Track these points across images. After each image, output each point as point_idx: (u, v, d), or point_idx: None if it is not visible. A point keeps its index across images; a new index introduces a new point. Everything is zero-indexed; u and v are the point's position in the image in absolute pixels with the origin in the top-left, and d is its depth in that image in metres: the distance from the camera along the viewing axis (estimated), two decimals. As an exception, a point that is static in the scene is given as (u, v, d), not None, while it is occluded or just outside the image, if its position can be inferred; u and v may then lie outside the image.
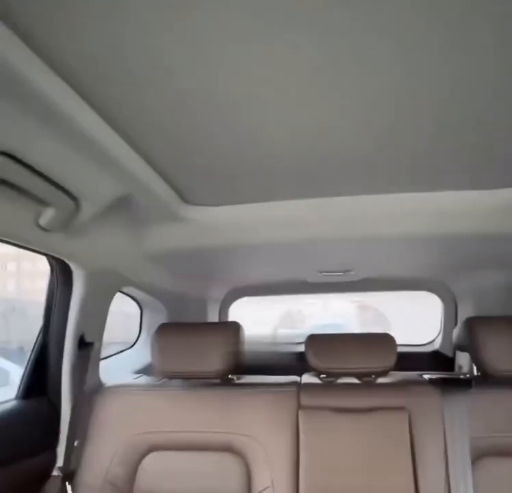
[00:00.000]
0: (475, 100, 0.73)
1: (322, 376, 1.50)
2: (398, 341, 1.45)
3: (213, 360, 1.37)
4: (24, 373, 1.36)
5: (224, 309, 2.60)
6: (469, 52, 0.60)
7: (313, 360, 1.43)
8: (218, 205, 1.24)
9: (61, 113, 0.70)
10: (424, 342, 2.73)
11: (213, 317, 2.50)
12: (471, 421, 1.28)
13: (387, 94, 0.71)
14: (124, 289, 1.80)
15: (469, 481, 1.21)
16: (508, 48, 0.60)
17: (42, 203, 0.93)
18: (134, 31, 0.56)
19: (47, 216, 0.96)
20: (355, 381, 1.47)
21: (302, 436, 1.32)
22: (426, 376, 1.49)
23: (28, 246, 1.06)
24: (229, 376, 1.47)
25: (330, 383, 1.48)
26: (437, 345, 2.62)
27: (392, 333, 1.47)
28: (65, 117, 0.71)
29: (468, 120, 0.80)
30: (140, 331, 2.23)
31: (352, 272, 1.98)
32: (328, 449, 1.30)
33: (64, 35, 0.57)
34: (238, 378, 1.53)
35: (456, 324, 2.23)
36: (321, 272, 1.97)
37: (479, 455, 1.25)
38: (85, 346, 1.42)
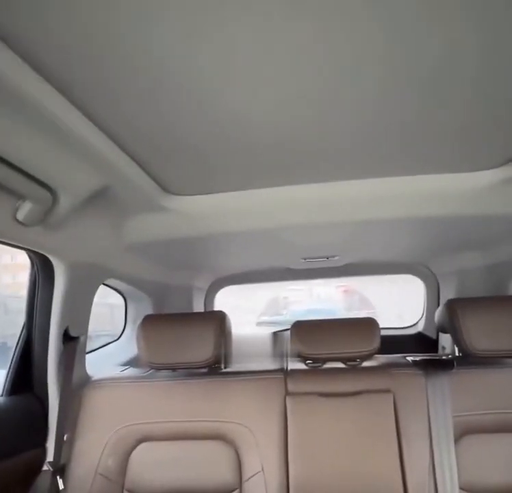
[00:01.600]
0: (454, 84, 0.74)
1: (308, 362, 1.52)
2: (383, 324, 1.47)
3: (199, 350, 1.38)
4: (9, 369, 1.35)
5: (209, 298, 2.61)
6: (452, 29, 0.60)
7: (298, 346, 1.44)
8: (198, 194, 1.23)
9: (35, 104, 0.68)
10: (408, 325, 2.78)
11: (198, 307, 2.50)
12: (454, 400, 1.31)
13: (366, 78, 0.71)
14: (108, 282, 1.79)
15: (452, 458, 1.24)
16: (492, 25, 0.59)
17: (19, 196, 0.92)
18: (106, 17, 0.55)
19: (24, 210, 0.94)
20: (341, 365, 1.49)
21: (290, 421, 1.34)
22: (410, 358, 1.52)
23: (6, 241, 1.04)
24: (216, 365, 1.48)
25: (316, 369, 1.50)
26: (420, 327, 2.66)
27: (377, 316, 1.49)
28: (39, 108, 0.70)
29: (446, 104, 0.80)
30: (125, 323, 2.22)
31: (336, 258, 2.00)
32: (316, 433, 1.33)
33: (33, 24, 0.55)
34: (225, 367, 1.54)
35: (438, 306, 2.27)
36: (304, 258, 1.98)
37: (462, 433, 1.29)
38: (70, 340, 1.41)
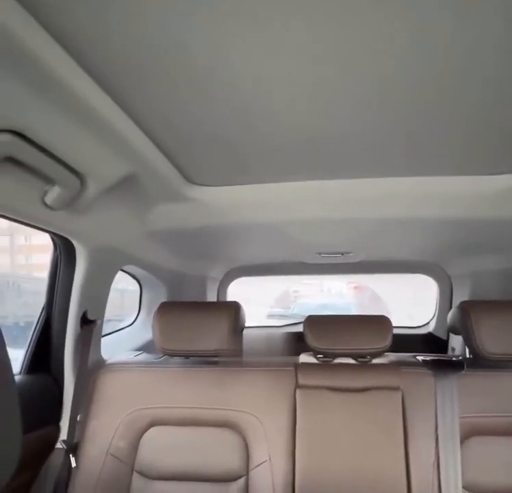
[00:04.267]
0: (475, 86, 0.74)
1: (319, 356, 1.53)
2: (393, 323, 1.48)
3: (213, 339, 1.40)
4: (28, 349, 1.39)
5: (222, 288, 2.63)
6: (472, 28, 0.59)
7: (310, 340, 1.46)
8: (220, 185, 1.25)
9: (70, 92, 0.70)
10: (419, 325, 2.78)
11: (211, 296, 2.52)
12: (462, 401, 1.32)
13: (391, 79, 0.71)
14: (126, 268, 1.81)
15: (457, 458, 1.25)
16: None
17: (49, 181, 0.94)
18: (138, 8, 0.56)
19: (53, 194, 0.96)
20: (351, 361, 1.50)
21: (299, 414, 1.36)
22: (420, 358, 1.53)
23: (33, 223, 1.07)
24: (229, 354, 1.50)
25: (326, 363, 1.51)
26: (431, 327, 2.66)
27: (389, 314, 1.50)
28: (74, 96, 0.71)
29: (468, 106, 0.80)
30: (140, 308, 2.25)
31: (351, 254, 2.01)
32: (323, 427, 1.34)
33: (72, 13, 0.57)
34: (237, 357, 1.56)
35: (451, 307, 2.27)
36: (319, 253, 1.99)
37: (468, 434, 1.30)
38: (88, 324, 1.44)
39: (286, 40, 0.62)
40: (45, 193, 0.97)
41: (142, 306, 2.25)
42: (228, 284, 2.67)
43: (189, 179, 1.20)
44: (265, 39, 0.62)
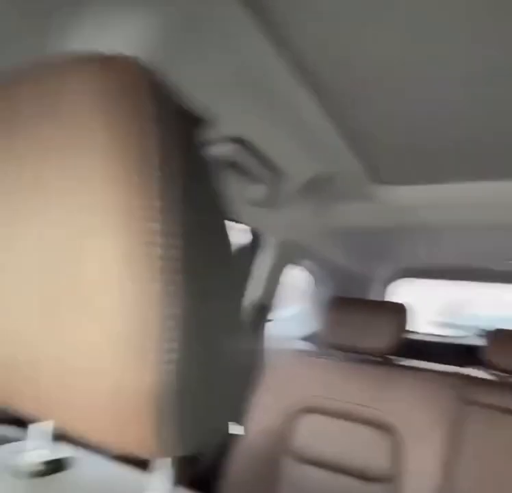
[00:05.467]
0: None
1: (495, 372, 1.42)
2: None
3: (376, 338, 1.41)
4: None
5: (388, 288, 2.58)
6: None
7: (492, 355, 1.36)
8: (406, 185, 1.23)
9: (286, 103, 0.77)
10: None
11: (375, 295, 2.51)
12: None
13: None
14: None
15: None
16: None
17: (256, 181, 1.04)
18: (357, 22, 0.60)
19: (255, 191, 1.07)
20: None
21: (461, 429, 1.27)
22: None
23: (237, 220, 1.19)
24: (390, 356, 1.48)
25: (506, 382, 1.38)
26: None
27: None
28: (288, 104, 0.78)
29: None
30: (307, 301, 2.35)
31: None
32: (490, 452, 1.23)
33: (304, 31, 0.62)
34: (398, 360, 1.54)
35: None
36: (510, 260, 1.82)
37: None
38: (259, 310, 1.56)
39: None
40: (249, 191, 1.08)
41: (309, 299, 2.34)
42: (395, 284, 2.61)
43: (375, 179, 1.21)
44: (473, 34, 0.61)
